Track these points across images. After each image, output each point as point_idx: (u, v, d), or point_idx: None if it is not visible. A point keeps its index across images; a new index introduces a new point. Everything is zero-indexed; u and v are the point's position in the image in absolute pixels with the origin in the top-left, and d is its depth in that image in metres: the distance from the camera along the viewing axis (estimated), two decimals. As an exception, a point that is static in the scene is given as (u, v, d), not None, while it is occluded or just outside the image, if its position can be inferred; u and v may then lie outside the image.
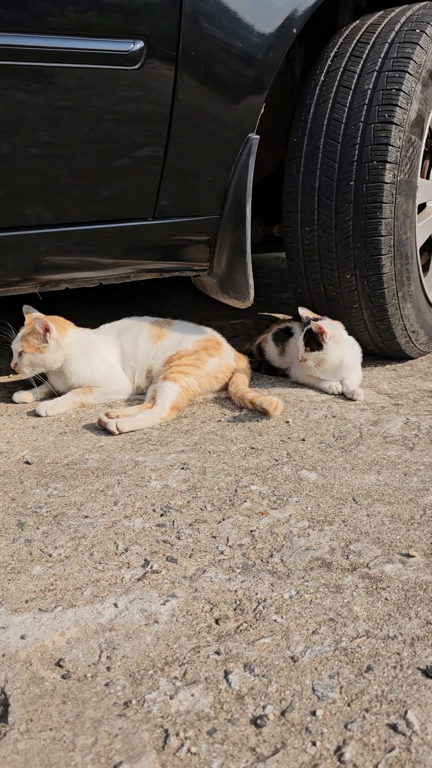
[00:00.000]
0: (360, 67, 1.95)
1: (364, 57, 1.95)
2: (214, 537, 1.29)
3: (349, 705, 0.90)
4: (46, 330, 1.91)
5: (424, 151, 2.11)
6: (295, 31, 1.81)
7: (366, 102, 1.91)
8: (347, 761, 0.82)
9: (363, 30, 2.02)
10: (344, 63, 1.98)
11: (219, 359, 2.00)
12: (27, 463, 1.62)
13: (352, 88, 1.94)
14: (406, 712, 0.88)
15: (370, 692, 0.92)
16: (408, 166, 1.93)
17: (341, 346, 2.00)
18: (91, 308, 3.05)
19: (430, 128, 2.06)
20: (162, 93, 1.69)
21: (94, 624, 1.06)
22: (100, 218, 1.78)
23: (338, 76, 1.97)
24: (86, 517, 1.38)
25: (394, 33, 1.94)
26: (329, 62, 2.02)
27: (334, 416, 1.85)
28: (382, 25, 1.99)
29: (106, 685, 0.94)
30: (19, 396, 2.02)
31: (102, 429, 1.80)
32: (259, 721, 0.88)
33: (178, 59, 1.67)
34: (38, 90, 1.55)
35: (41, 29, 1.51)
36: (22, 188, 1.65)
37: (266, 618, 1.06)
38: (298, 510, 1.38)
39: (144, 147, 1.73)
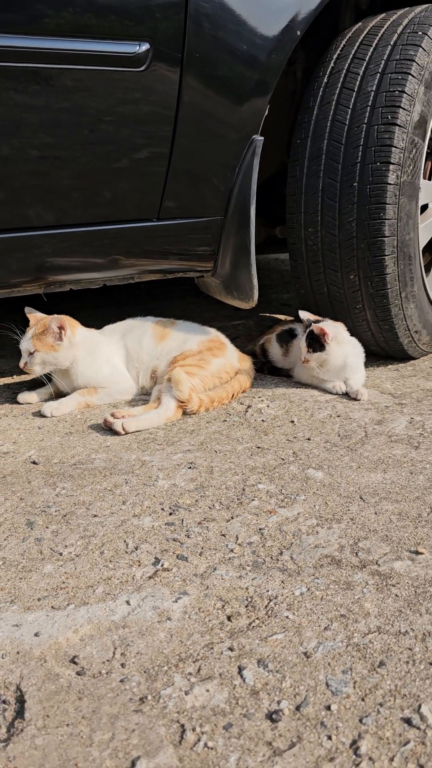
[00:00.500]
0: (363, 69, 1.96)
1: (366, 59, 1.97)
2: (224, 535, 1.30)
3: (363, 699, 0.91)
4: (61, 328, 1.92)
5: (427, 152, 2.12)
6: (298, 33, 1.82)
7: (369, 104, 1.92)
8: (363, 755, 0.82)
9: (365, 32, 2.03)
10: (347, 65, 1.99)
11: (223, 360, 2.01)
12: (34, 463, 1.63)
13: (355, 90, 1.96)
14: (419, 706, 0.89)
15: (384, 687, 0.93)
16: (411, 168, 1.95)
17: (344, 347, 2.02)
18: (92, 310, 3.06)
19: (432, 130, 2.08)
20: (167, 95, 1.70)
21: (107, 621, 1.07)
22: (106, 219, 1.79)
23: (341, 78, 1.99)
24: (95, 516, 1.38)
25: (396, 35, 1.96)
26: (332, 64, 2.03)
27: (338, 416, 1.86)
28: (385, 27, 2.01)
29: (122, 681, 0.95)
30: (24, 397, 2.03)
31: (108, 429, 1.80)
32: (274, 716, 0.88)
33: (183, 61, 1.68)
34: (39, 92, 1.56)
35: (48, 32, 1.52)
36: (30, 189, 1.65)
37: (278, 614, 1.07)
38: (306, 508, 1.39)
39: (149, 148, 1.74)
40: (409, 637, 1.02)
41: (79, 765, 0.82)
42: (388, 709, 0.89)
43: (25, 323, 2.03)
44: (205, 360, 1.97)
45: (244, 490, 1.48)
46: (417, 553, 1.22)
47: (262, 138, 1.86)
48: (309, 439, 1.72)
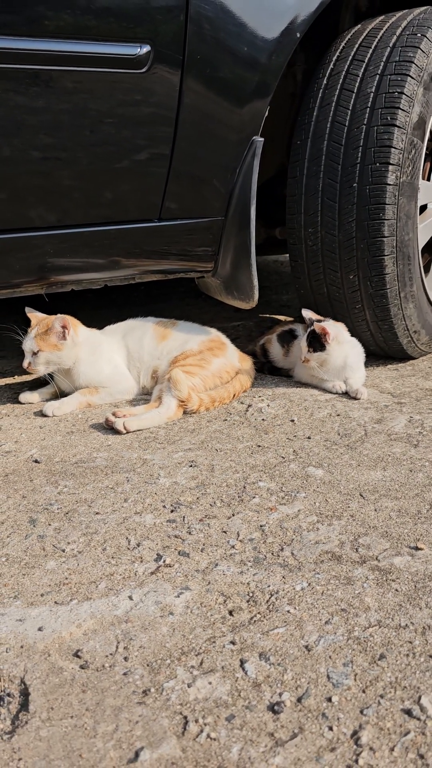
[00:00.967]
0: (362, 70, 1.98)
1: (366, 61, 1.98)
2: (225, 532, 1.31)
3: (363, 691, 0.92)
4: (65, 328, 1.93)
5: (426, 153, 2.13)
6: (298, 35, 1.84)
7: (368, 105, 1.94)
8: (364, 745, 0.83)
9: (365, 34, 2.04)
10: (347, 66, 2.01)
11: (224, 359, 2.02)
12: (36, 461, 1.64)
13: (355, 91, 1.97)
14: (419, 697, 0.90)
15: (384, 679, 0.94)
16: (410, 168, 1.96)
17: (344, 347, 2.03)
18: (91, 311, 3.07)
19: (431, 131, 2.09)
20: (168, 96, 1.71)
21: (110, 616, 1.08)
22: (107, 220, 1.81)
23: (341, 80, 2.00)
24: (97, 513, 1.39)
25: (395, 37, 1.97)
26: (332, 66, 2.05)
27: (338, 415, 1.88)
28: (384, 29, 2.02)
29: (125, 674, 0.96)
30: (25, 397, 2.04)
31: (109, 428, 1.81)
32: (276, 708, 0.89)
33: (184, 63, 1.69)
34: (41, 93, 1.57)
35: (50, 34, 1.53)
36: (32, 190, 1.67)
37: (279, 609, 1.08)
38: (307, 505, 1.40)
39: (150, 150, 1.75)
40: (409, 630, 1.03)
41: (84, 756, 0.83)
42: (388, 701, 0.90)
43: (26, 324, 2.04)
44: (205, 360, 1.98)
45: (244, 487, 1.49)
46: (417, 548, 1.23)
47: (263, 139, 1.87)
48: (309, 438, 1.73)
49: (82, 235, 1.79)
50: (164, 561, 1.22)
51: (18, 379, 2.24)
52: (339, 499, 1.42)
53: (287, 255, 3.18)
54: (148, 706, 0.90)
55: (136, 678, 0.95)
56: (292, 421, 1.85)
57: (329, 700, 0.91)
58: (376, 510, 1.38)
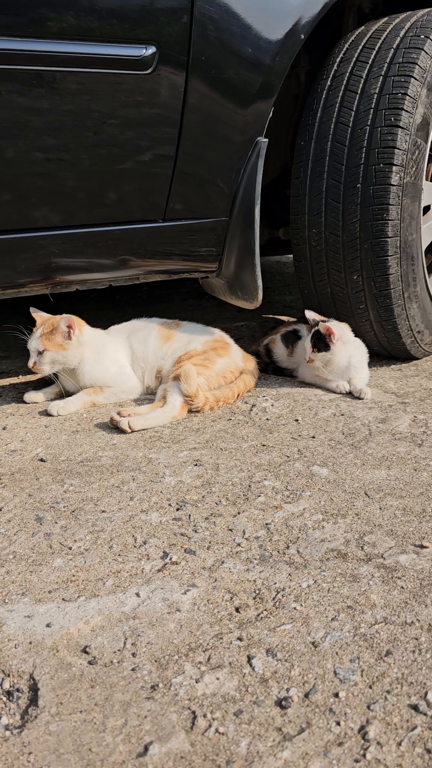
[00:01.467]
0: (366, 71, 1.99)
1: (370, 62, 1.99)
2: (231, 530, 1.32)
3: (370, 687, 0.92)
4: (70, 327, 1.94)
5: (429, 154, 2.14)
6: (303, 36, 1.84)
7: (372, 106, 1.95)
8: (371, 739, 0.84)
9: (368, 36, 2.05)
10: (350, 68, 2.02)
11: (228, 359, 2.03)
12: (41, 460, 1.64)
13: (359, 92, 1.98)
14: (426, 693, 0.91)
15: (391, 675, 0.94)
16: (414, 169, 1.97)
17: (348, 347, 2.04)
18: (94, 312, 3.08)
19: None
20: (173, 97, 1.72)
21: (118, 612, 1.08)
22: (113, 220, 1.81)
23: (345, 81, 2.01)
24: (103, 511, 1.40)
25: (399, 38, 1.98)
26: (336, 67, 2.05)
27: (342, 414, 1.88)
28: (388, 30, 2.03)
29: (133, 669, 0.96)
30: (30, 396, 2.04)
31: (114, 427, 1.82)
32: (283, 703, 0.90)
33: (189, 64, 1.70)
34: (46, 94, 1.58)
35: (56, 35, 1.54)
36: (38, 190, 1.68)
37: (286, 606, 1.09)
38: (312, 504, 1.41)
39: (155, 150, 1.76)
40: (415, 627, 1.03)
41: (93, 750, 0.84)
42: (395, 696, 0.91)
43: (30, 324, 2.05)
44: (210, 360, 1.99)
45: (250, 486, 1.49)
46: (422, 546, 1.24)
47: (267, 140, 1.88)
48: (313, 437, 1.74)
49: (88, 236, 1.80)
50: (171, 558, 1.23)
51: (22, 378, 2.24)
52: (344, 498, 1.43)
53: (290, 255, 3.20)
54: (157, 701, 0.91)
55: (144, 673, 0.96)
56: (297, 420, 1.85)
57: (336, 695, 0.91)
58: (381, 509, 1.38)
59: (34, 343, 1.96)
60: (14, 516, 1.39)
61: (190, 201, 1.88)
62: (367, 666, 0.96)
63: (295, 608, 1.08)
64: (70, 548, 1.27)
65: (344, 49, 2.08)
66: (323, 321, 2.02)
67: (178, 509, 1.40)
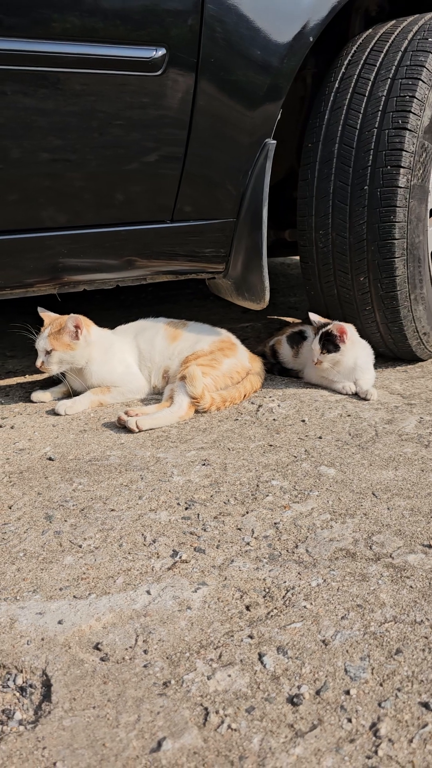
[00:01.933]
0: (374, 74, 2.00)
1: (377, 65, 2.00)
2: (240, 529, 1.33)
3: (381, 685, 0.93)
4: (78, 327, 1.95)
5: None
6: (311, 39, 1.85)
7: (380, 108, 1.96)
8: (383, 736, 0.85)
9: (376, 38, 2.06)
10: (358, 70, 2.03)
11: (234, 360, 2.04)
12: (50, 459, 1.65)
13: (366, 94, 1.99)
14: (436, 691, 0.92)
15: (401, 673, 0.95)
16: (421, 171, 1.98)
17: (355, 348, 2.04)
18: (99, 312, 3.08)
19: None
20: (182, 99, 1.73)
21: (129, 610, 1.09)
22: (121, 221, 1.82)
23: (352, 83, 2.02)
24: (112, 510, 1.41)
25: (407, 41, 1.99)
26: (343, 70, 2.06)
27: (349, 415, 1.89)
28: (395, 33, 2.04)
29: (145, 666, 0.97)
30: (37, 395, 2.05)
31: (121, 427, 1.83)
32: (295, 700, 0.91)
33: (199, 66, 1.71)
34: (57, 95, 1.59)
35: (68, 37, 1.55)
36: (47, 191, 1.68)
37: (296, 604, 1.10)
38: (320, 504, 1.42)
39: (164, 151, 1.77)
40: (425, 626, 1.04)
41: (107, 745, 0.85)
42: (406, 694, 0.91)
43: (38, 324, 2.05)
44: (216, 360, 2.00)
45: (258, 486, 1.50)
46: (430, 546, 1.25)
47: (275, 141, 1.89)
48: (320, 438, 1.74)
49: (96, 236, 1.81)
50: (180, 557, 1.23)
51: (29, 378, 2.25)
52: (352, 498, 1.44)
53: (295, 257, 3.21)
54: (169, 698, 0.92)
55: (156, 670, 0.96)
56: (303, 421, 1.86)
57: (347, 693, 0.92)
58: (388, 509, 1.39)
59: (42, 343, 1.96)
60: (24, 514, 1.40)
61: (198, 202, 1.89)
62: (377, 664, 0.97)
63: (305, 607, 1.09)
64: (80, 546, 1.28)
65: (352, 51, 2.09)
66: (326, 324, 2.03)
67: (186, 508, 1.41)
